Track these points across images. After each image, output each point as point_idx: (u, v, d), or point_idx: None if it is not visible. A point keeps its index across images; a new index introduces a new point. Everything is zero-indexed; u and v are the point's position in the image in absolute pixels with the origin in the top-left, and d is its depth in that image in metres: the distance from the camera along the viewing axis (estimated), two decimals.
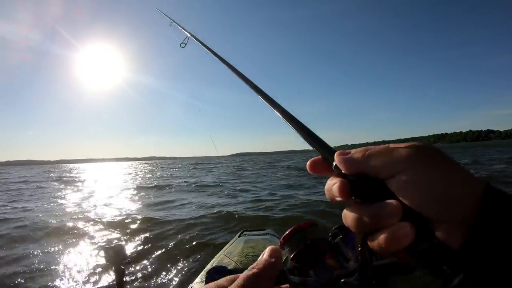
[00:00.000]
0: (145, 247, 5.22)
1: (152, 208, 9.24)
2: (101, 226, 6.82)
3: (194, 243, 5.18)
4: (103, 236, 6.12)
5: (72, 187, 18.11)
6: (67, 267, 4.51)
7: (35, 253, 5.18)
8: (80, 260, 4.76)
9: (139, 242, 5.50)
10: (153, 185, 16.92)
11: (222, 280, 0.39)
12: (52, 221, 7.42)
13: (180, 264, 4.41)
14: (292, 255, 0.48)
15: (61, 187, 18.52)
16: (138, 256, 4.77)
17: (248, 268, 0.38)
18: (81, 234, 6.23)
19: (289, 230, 0.49)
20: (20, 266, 4.61)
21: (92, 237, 6.04)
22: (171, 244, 5.20)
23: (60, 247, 5.41)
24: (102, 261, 4.27)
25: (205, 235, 5.67)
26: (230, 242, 2.39)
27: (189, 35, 1.32)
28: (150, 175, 28.84)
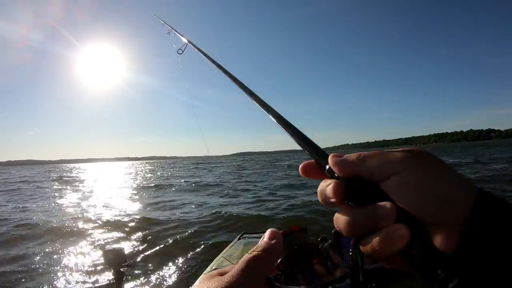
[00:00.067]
0: (145, 248, 5.20)
1: (152, 208, 9.24)
2: (101, 227, 6.81)
3: (194, 244, 5.16)
4: (102, 237, 6.10)
5: (72, 187, 18.14)
6: (66, 269, 4.50)
7: (34, 253, 5.16)
8: (79, 262, 4.74)
9: (139, 244, 5.48)
10: (153, 184, 16.95)
11: (225, 268, 0.38)
12: (52, 221, 7.42)
13: (180, 266, 4.38)
14: (279, 260, 0.46)
15: (61, 187, 18.55)
16: (138, 258, 4.75)
17: (249, 252, 0.37)
18: (81, 235, 6.22)
19: None
20: (18, 266, 4.60)
21: (91, 238, 6.02)
22: (171, 246, 5.19)
23: (60, 248, 5.39)
24: (102, 263, 4.27)
25: (205, 236, 5.65)
26: (230, 244, 2.38)
27: (186, 41, 1.33)
28: (150, 175, 28.88)
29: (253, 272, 0.35)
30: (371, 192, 0.34)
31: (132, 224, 6.85)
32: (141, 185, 17.42)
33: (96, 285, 3.95)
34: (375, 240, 0.32)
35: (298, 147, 0.46)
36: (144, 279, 4.06)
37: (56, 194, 14.18)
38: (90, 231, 6.47)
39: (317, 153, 0.41)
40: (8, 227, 7.03)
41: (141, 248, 5.23)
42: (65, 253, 5.15)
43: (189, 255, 4.75)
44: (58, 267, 4.55)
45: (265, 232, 0.39)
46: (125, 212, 8.55)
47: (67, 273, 4.33)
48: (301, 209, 7.50)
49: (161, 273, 4.19)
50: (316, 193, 0.39)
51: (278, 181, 15.30)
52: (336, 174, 0.37)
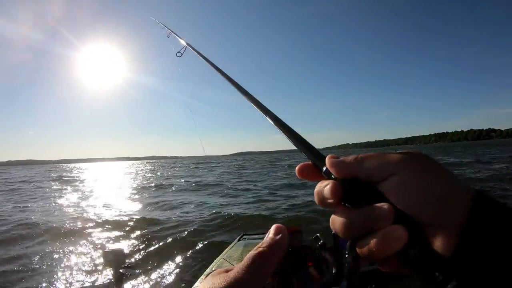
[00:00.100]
0: (145, 249, 5.18)
1: (152, 208, 9.23)
2: (101, 227, 6.79)
3: (194, 244, 5.14)
4: (102, 237, 6.08)
5: (72, 187, 18.12)
6: (65, 269, 4.48)
7: (34, 254, 5.14)
8: (79, 262, 4.72)
9: (138, 244, 5.46)
10: (153, 184, 16.93)
11: (232, 267, 0.38)
12: (51, 221, 7.40)
13: (180, 267, 4.37)
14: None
15: (61, 187, 18.53)
16: (137, 259, 4.73)
17: (254, 248, 0.36)
18: (80, 235, 6.20)
19: None
20: (17, 267, 4.59)
21: (91, 238, 6.00)
22: (171, 246, 5.17)
23: (59, 248, 5.37)
24: (102, 264, 4.25)
25: (205, 236, 5.64)
26: (230, 246, 2.37)
27: (185, 44, 1.34)
28: (150, 175, 28.87)
29: (258, 268, 0.35)
30: (368, 193, 0.34)
31: (132, 224, 6.83)
32: (141, 185, 17.41)
33: (96, 285, 3.94)
34: (373, 242, 0.32)
35: None
36: (143, 279, 4.04)
37: (56, 194, 14.17)
38: (90, 231, 6.45)
39: (314, 155, 0.41)
40: (8, 227, 7.02)
41: (140, 248, 5.22)
42: (65, 253, 5.13)
43: (189, 255, 4.73)
44: (58, 268, 4.53)
45: (265, 232, 0.40)
46: (125, 212, 8.53)
47: (66, 274, 4.32)
48: (302, 209, 7.48)
49: (160, 274, 4.18)
50: None
51: (278, 180, 15.28)
52: (333, 176, 0.37)
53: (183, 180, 18.76)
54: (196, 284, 1.98)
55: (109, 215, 8.10)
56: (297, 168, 0.41)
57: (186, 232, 5.91)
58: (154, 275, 4.14)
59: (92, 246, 5.51)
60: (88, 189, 15.98)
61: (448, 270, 0.29)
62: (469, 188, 0.32)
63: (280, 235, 0.38)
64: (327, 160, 0.38)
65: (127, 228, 6.52)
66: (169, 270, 4.28)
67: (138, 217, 7.59)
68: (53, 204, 10.80)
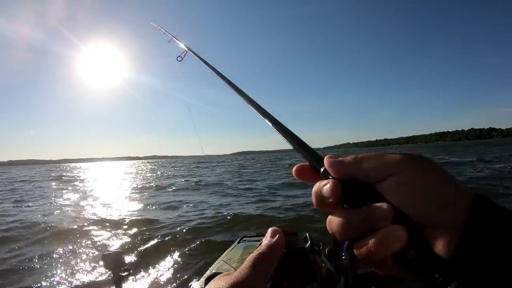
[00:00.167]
0: (145, 250, 5.15)
1: (152, 208, 9.21)
2: (100, 227, 6.76)
3: (194, 245, 5.12)
4: (101, 237, 6.05)
5: (72, 186, 18.13)
6: (63, 272, 4.42)
7: (32, 254, 5.11)
8: (77, 265, 4.67)
9: (138, 245, 5.42)
10: (154, 184, 16.94)
11: (233, 271, 0.39)
12: (51, 222, 7.39)
13: (180, 269, 4.32)
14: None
15: (61, 186, 18.55)
16: (137, 261, 4.69)
17: (254, 252, 0.38)
18: (79, 235, 6.16)
19: None
20: (15, 267, 4.56)
21: (90, 239, 5.96)
22: (171, 247, 5.13)
23: (58, 249, 5.32)
24: (100, 268, 4.22)
25: (206, 236, 5.61)
26: (230, 248, 2.35)
27: (186, 49, 1.35)
28: (151, 174, 28.91)
29: (259, 269, 0.36)
30: (367, 194, 0.34)
31: (132, 224, 6.81)
32: (141, 184, 17.41)
33: None
34: (371, 242, 0.32)
35: None
36: (143, 282, 4.01)
37: (56, 194, 14.18)
38: (89, 232, 6.42)
39: (311, 156, 0.41)
40: (7, 226, 7.01)
41: (140, 249, 5.18)
42: (64, 254, 5.10)
43: (189, 256, 4.71)
44: (56, 269, 4.49)
45: (265, 234, 0.41)
46: (124, 212, 8.52)
47: (65, 276, 4.28)
48: (302, 209, 7.46)
49: (160, 276, 4.14)
50: None
51: (279, 180, 15.26)
52: (330, 176, 0.36)
53: (183, 180, 18.76)
54: (195, 287, 1.95)
55: (108, 215, 8.08)
56: (294, 169, 0.41)
57: (186, 233, 5.88)
58: (154, 277, 4.10)
59: (91, 246, 5.48)
60: (88, 189, 15.99)
61: (448, 271, 0.28)
62: (468, 189, 0.32)
63: (277, 237, 0.40)
64: (325, 160, 0.37)
65: (127, 228, 6.50)
66: (169, 272, 4.25)
67: (138, 217, 7.57)
68: (53, 204, 10.80)
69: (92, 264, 4.60)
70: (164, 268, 4.37)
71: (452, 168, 15.59)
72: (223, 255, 2.23)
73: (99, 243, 5.68)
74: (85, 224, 7.01)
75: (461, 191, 0.32)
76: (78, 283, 4.05)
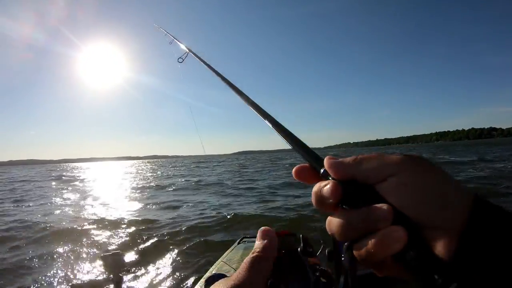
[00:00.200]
0: (144, 250, 5.13)
1: (152, 208, 9.20)
2: (100, 227, 6.74)
3: (195, 245, 5.10)
4: (101, 237, 6.03)
5: (72, 186, 18.11)
6: (62, 273, 4.41)
7: (32, 255, 5.09)
8: (76, 266, 4.64)
9: (138, 245, 5.40)
10: (154, 184, 16.93)
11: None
12: (50, 222, 7.37)
13: (180, 270, 4.30)
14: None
15: (61, 186, 18.53)
16: (137, 261, 4.67)
17: (249, 255, 0.39)
18: (79, 236, 6.13)
19: None
20: (14, 267, 4.55)
21: (90, 239, 5.94)
22: (171, 248, 5.11)
23: (57, 250, 5.29)
24: (100, 269, 4.20)
25: (206, 236, 5.59)
26: (230, 249, 2.35)
27: (187, 50, 1.36)
28: (151, 174, 28.90)
29: (256, 270, 0.37)
30: (367, 194, 0.33)
31: (132, 224, 6.80)
32: (141, 184, 17.40)
33: None
34: (371, 243, 0.32)
35: None
36: (143, 283, 3.99)
37: (56, 194, 14.17)
38: (89, 231, 6.40)
39: (311, 157, 0.41)
40: (7, 227, 7.00)
41: (140, 249, 5.17)
42: (63, 254, 5.08)
43: (189, 256, 4.69)
44: (56, 270, 4.47)
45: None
46: (124, 212, 8.50)
47: (64, 276, 4.27)
48: (303, 209, 7.43)
49: (160, 277, 4.12)
50: None
51: (279, 179, 15.24)
52: (330, 177, 0.36)
53: (183, 180, 18.75)
54: None
55: (108, 214, 8.06)
56: (294, 170, 0.41)
57: (186, 232, 5.87)
58: (154, 278, 4.08)
59: (91, 246, 5.47)
60: (88, 189, 15.97)
61: (448, 272, 0.28)
62: (468, 190, 0.32)
63: (268, 237, 0.40)
64: (325, 161, 0.37)
65: (127, 228, 6.48)
66: (169, 272, 4.22)
67: (138, 217, 7.56)
68: (53, 204, 10.79)
69: (92, 264, 4.59)
70: (164, 268, 4.36)
71: (453, 167, 15.56)
72: (223, 256, 2.23)
73: (99, 243, 5.66)
74: (85, 224, 7.00)
75: (461, 192, 0.32)
76: (78, 283, 4.03)
